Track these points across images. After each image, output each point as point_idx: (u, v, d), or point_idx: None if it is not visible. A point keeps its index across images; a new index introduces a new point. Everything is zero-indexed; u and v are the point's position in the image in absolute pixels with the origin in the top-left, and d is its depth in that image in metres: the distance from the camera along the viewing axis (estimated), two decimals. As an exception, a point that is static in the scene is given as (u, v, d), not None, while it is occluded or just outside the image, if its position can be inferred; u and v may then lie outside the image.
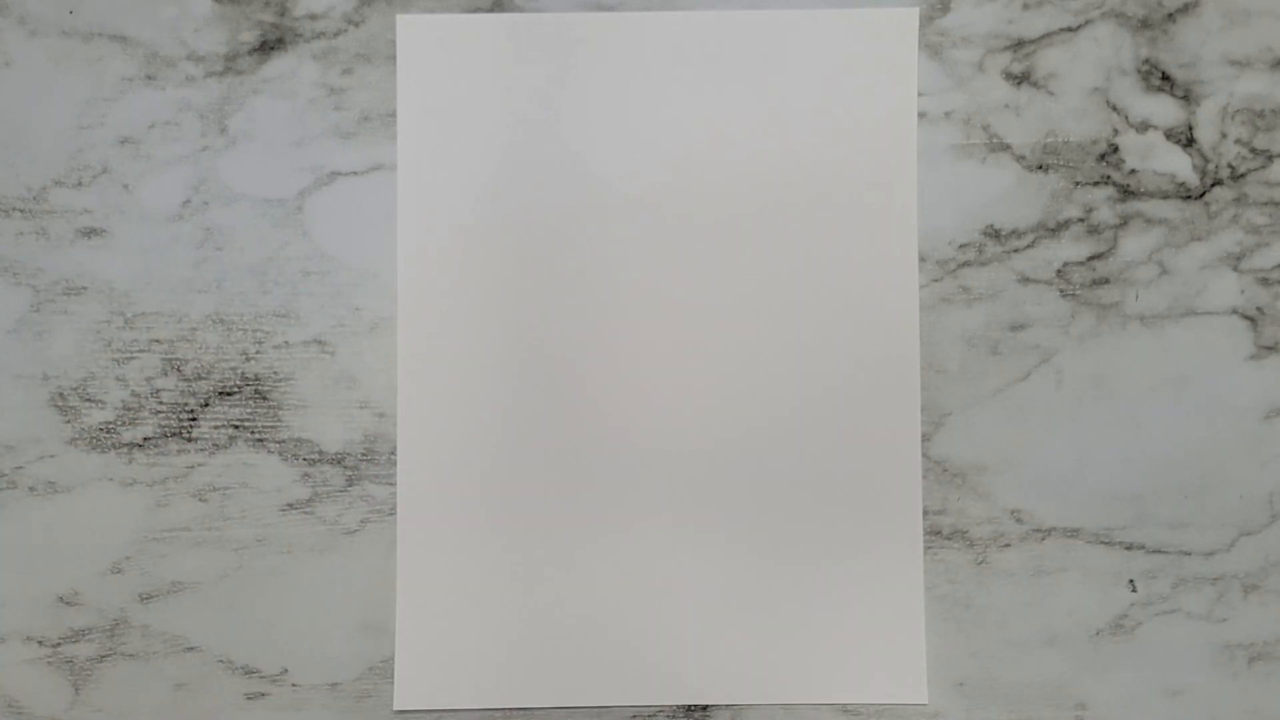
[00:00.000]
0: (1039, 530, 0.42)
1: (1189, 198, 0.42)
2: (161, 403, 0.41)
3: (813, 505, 0.41)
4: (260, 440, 0.42)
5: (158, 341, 0.42)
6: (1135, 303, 0.42)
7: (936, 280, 0.42)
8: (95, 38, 0.41)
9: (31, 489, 0.41)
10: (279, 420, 0.42)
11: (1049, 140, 0.42)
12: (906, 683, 0.41)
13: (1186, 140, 0.42)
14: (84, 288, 0.41)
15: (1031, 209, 0.42)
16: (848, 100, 0.42)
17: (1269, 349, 0.42)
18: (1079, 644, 0.42)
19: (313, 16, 0.42)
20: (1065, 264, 0.42)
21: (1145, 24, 0.42)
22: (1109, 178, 0.42)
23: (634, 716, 0.41)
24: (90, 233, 0.41)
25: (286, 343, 0.42)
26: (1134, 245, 0.42)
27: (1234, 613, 0.42)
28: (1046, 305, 0.42)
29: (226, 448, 0.41)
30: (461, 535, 0.41)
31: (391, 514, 0.41)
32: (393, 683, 0.41)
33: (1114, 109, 0.42)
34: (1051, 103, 0.42)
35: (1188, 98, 0.42)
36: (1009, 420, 0.42)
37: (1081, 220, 0.42)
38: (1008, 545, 0.42)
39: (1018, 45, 0.42)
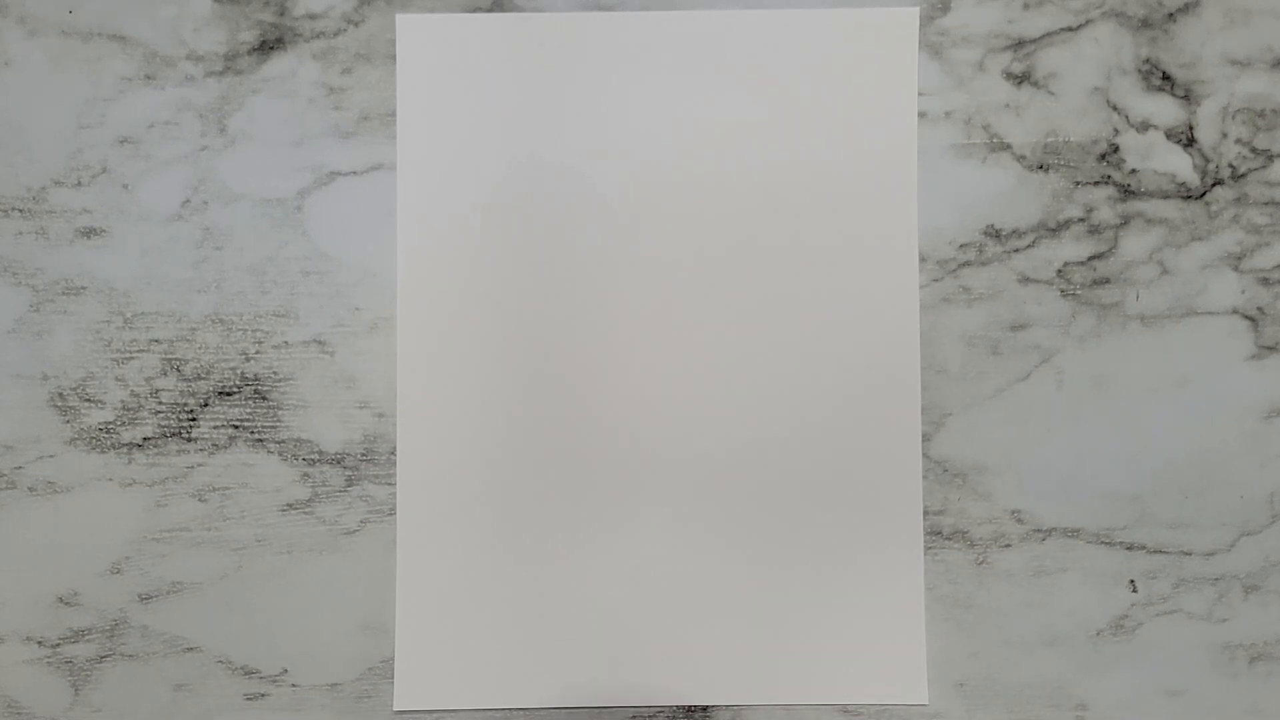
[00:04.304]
0: (1039, 530, 0.42)
1: (1189, 197, 0.42)
2: (161, 403, 0.41)
3: (813, 505, 0.41)
4: (260, 440, 0.42)
5: (157, 341, 0.42)
6: (1136, 303, 0.42)
7: (936, 280, 0.42)
8: (95, 37, 0.41)
9: (31, 489, 0.41)
10: (279, 420, 0.42)
11: (1049, 140, 0.42)
12: (907, 683, 0.41)
13: (1187, 140, 0.42)
14: (83, 288, 0.41)
15: (1032, 209, 0.42)
16: (848, 100, 0.42)
17: (1269, 349, 0.42)
18: (1079, 644, 0.42)
19: (312, 16, 0.42)
20: (1066, 264, 0.42)
21: (1146, 24, 0.42)
22: (1109, 177, 0.42)
23: (634, 717, 0.41)
24: (90, 233, 0.41)
25: (286, 343, 0.42)
26: (1134, 245, 0.42)
27: (1234, 613, 0.42)
28: (1047, 305, 0.42)
29: (226, 448, 0.41)
30: (461, 535, 0.41)
31: (391, 514, 0.41)
32: (393, 683, 0.41)
33: (1114, 109, 0.42)
34: (1052, 102, 0.42)
35: (1188, 97, 0.42)
36: (1009, 420, 0.42)
37: (1082, 220, 0.42)
38: (1008, 545, 0.42)
39: (1018, 45, 0.42)
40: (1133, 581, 0.42)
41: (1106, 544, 0.42)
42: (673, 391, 0.42)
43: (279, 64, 0.42)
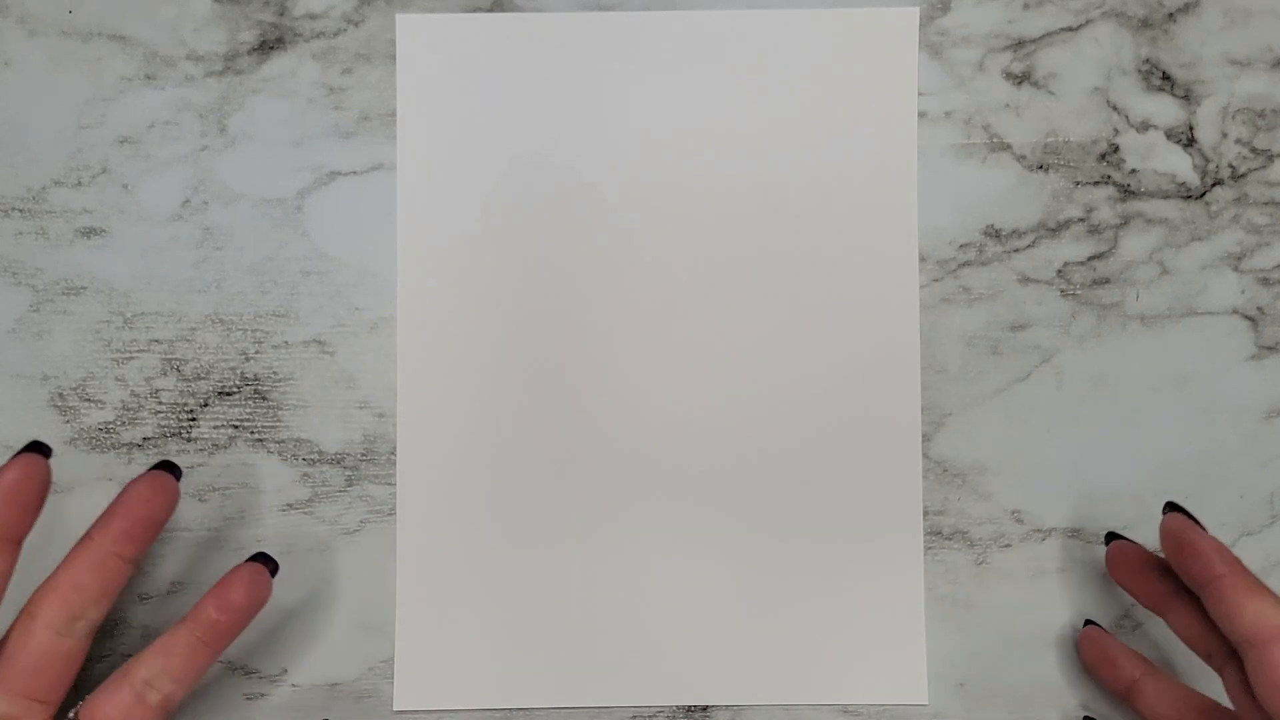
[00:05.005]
0: (1039, 530, 0.42)
1: (1189, 197, 0.42)
2: (161, 403, 0.41)
3: (813, 505, 0.41)
4: (260, 440, 0.42)
5: (157, 341, 0.42)
6: (1135, 303, 0.42)
7: (936, 280, 0.42)
8: (95, 38, 0.41)
9: (31, 489, 0.41)
10: (279, 420, 0.42)
11: (1049, 140, 0.42)
12: (906, 683, 0.41)
13: (1187, 140, 0.42)
14: (83, 288, 0.41)
15: (1032, 209, 0.42)
16: (848, 100, 0.42)
17: (1269, 349, 0.42)
18: (1079, 644, 0.42)
19: (312, 16, 0.42)
20: (1065, 264, 0.42)
21: (1145, 24, 0.42)
22: (1109, 177, 0.42)
23: (634, 717, 0.41)
24: (90, 233, 0.41)
25: (286, 343, 0.42)
26: (1134, 245, 0.42)
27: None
28: (1047, 305, 0.42)
29: (226, 448, 0.41)
30: (461, 535, 0.41)
31: (391, 514, 0.41)
32: (393, 683, 0.41)
33: (1114, 109, 0.42)
34: (1052, 102, 0.42)
35: (1188, 97, 0.42)
36: (1009, 420, 0.42)
37: (1082, 220, 0.42)
38: (1008, 545, 0.42)
39: (1018, 45, 0.42)
40: (1133, 581, 0.42)
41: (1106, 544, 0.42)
42: (673, 391, 0.42)
43: (279, 64, 0.42)
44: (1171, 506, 0.37)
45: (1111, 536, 0.40)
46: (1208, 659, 0.36)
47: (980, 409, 0.42)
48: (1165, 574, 0.37)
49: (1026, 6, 0.42)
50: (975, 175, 0.42)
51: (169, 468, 0.36)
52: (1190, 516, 0.36)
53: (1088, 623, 0.41)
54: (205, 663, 0.34)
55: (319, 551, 0.41)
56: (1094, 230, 0.42)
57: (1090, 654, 0.40)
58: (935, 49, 0.42)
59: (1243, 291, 0.42)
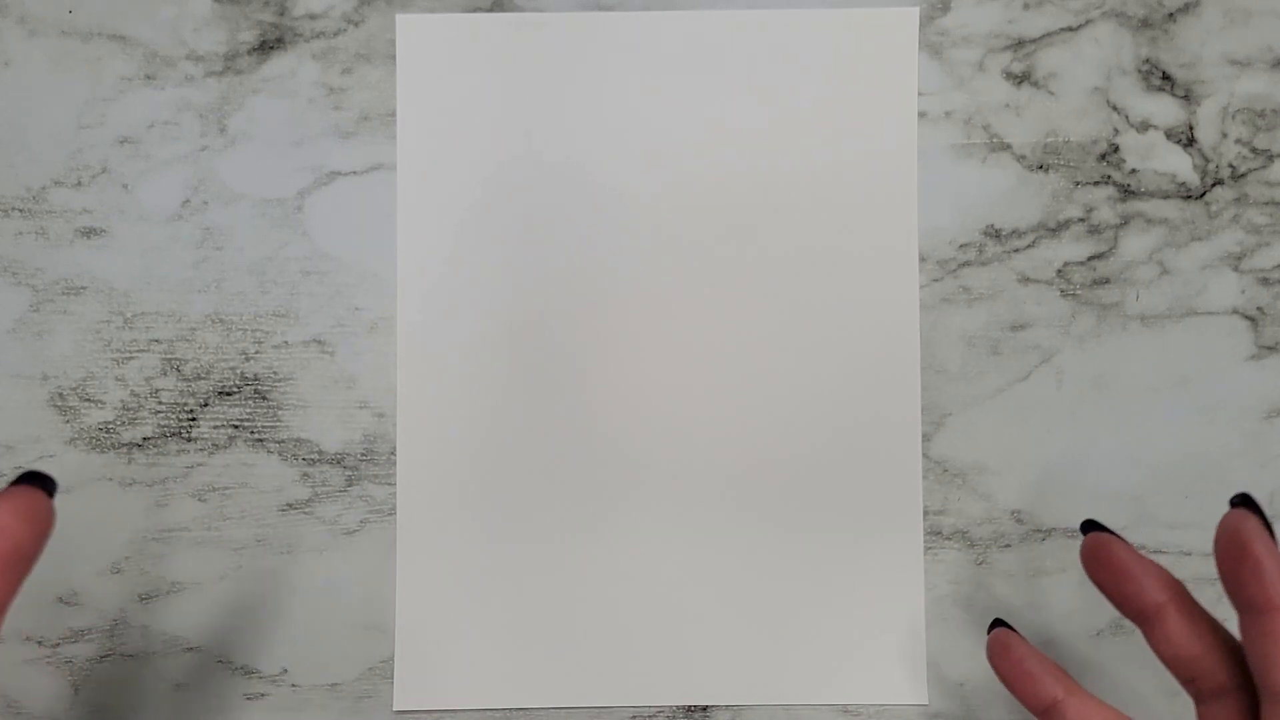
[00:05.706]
0: (1039, 530, 0.42)
1: (1189, 198, 0.42)
2: (161, 403, 0.41)
3: (813, 505, 0.41)
4: (260, 440, 0.42)
5: (157, 341, 0.42)
6: (1135, 303, 0.42)
7: (936, 280, 0.42)
8: (94, 37, 0.41)
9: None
10: (278, 420, 0.42)
11: (1049, 140, 0.42)
12: (906, 683, 0.41)
13: (1187, 140, 0.42)
14: (83, 288, 0.41)
15: (1032, 209, 0.42)
16: (848, 100, 0.42)
17: (1269, 349, 0.42)
18: (1079, 644, 0.42)
19: (312, 16, 0.42)
20: (1065, 264, 0.42)
21: (1145, 24, 0.42)
22: (1109, 177, 0.42)
23: (634, 717, 0.41)
24: (90, 233, 0.41)
25: (286, 342, 0.42)
26: (1134, 245, 0.42)
27: (1235, 613, 0.42)
28: (1047, 305, 0.42)
29: (226, 448, 0.41)
30: (461, 535, 0.41)
31: (391, 514, 0.41)
32: (393, 683, 0.41)
33: (1114, 109, 0.42)
34: (1052, 102, 0.42)
35: (1188, 97, 0.42)
36: (1009, 420, 0.42)
37: (1082, 220, 0.42)
38: (1008, 545, 0.42)
39: (1018, 45, 0.42)
40: (1133, 581, 0.42)
41: (1106, 544, 0.42)
42: (673, 391, 0.42)
43: (279, 64, 0.42)
44: (1243, 500, 0.30)
45: (997, 624, 0.35)
46: (1188, 683, 0.31)
47: (980, 409, 0.42)
48: (1157, 580, 0.31)
49: (1026, 6, 0.42)
50: (975, 175, 0.42)
51: (38, 480, 0.27)
52: (1264, 521, 0.29)
53: (996, 623, 0.35)
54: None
55: (319, 551, 0.41)
56: (1094, 230, 0.42)
57: (1004, 666, 0.33)
58: (935, 49, 0.42)
59: (1243, 291, 0.42)
